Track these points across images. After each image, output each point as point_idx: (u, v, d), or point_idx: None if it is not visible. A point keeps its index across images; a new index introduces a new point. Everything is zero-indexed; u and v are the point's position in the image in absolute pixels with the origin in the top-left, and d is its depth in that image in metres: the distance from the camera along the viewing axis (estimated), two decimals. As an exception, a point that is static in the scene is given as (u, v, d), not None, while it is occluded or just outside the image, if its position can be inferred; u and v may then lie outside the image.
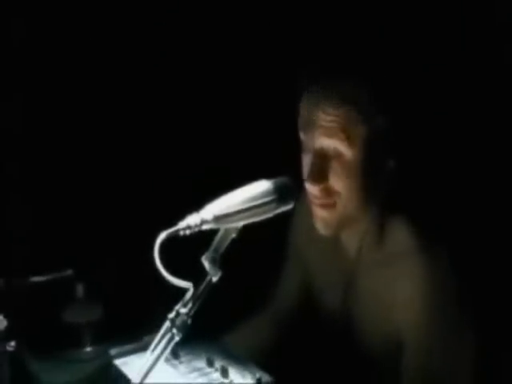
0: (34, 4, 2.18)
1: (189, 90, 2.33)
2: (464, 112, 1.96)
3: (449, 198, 1.81)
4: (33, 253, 2.19)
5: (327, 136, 1.57)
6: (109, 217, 2.30)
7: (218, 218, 1.39)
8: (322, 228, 1.64)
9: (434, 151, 1.90)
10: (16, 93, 2.22)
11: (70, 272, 2.04)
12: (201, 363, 1.65)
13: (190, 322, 1.38)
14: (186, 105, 2.33)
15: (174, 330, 1.37)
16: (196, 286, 1.39)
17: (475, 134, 1.96)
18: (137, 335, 1.68)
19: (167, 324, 1.38)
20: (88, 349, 1.81)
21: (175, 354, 1.67)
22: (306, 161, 1.62)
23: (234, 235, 1.44)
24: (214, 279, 1.42)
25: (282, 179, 1.49)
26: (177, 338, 1.38)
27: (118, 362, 1.65)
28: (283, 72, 1.60)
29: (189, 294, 1.38)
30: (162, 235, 1.33)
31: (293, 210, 1.75)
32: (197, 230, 1.38)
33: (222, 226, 1.42)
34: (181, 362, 1.66)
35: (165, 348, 1.38)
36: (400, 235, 1.62)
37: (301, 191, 1.62)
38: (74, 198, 2.28)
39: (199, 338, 1.72)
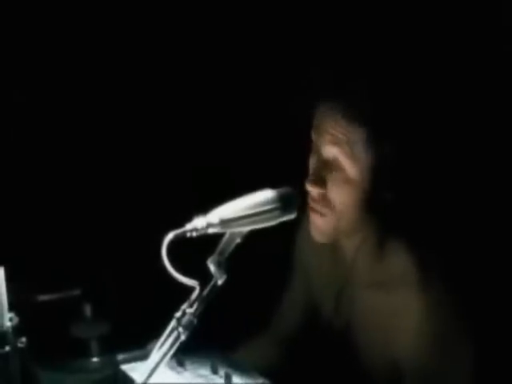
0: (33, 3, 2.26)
1: (192, 92, 2.36)
2: (467, 137, 2.01)
3: (448, 220, 1.85)
4: (38, 271, 2.23)
5: (334, 144, 1.61)
6: (113, 234, 2.35)
7: (223, 222, 1.45)
8: (316, 235, 1.69)
9: (435, 174, 1.95)
10: (16, 94, 2.27)
11: (77, 292, 2.09)
12: (205, 371, 1.69)
13: (196, 321, 1.43)
14: (187, 109, 2.37)
15: (180, 329, 1.42)
16: (202, 286, 1.44)
17: (477, 157, 2.00)
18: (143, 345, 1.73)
19: (173, 323, 1.43)
20: (95, 359, 1.84)
21: (180, 362, 1.72)
22: (312, 162, 1.67)
23: (239, 240, 1.49)
24: (220, 282, 1.47)
25: (286, 189, 1.54)
26: (182, 337, 1.42)
27: (124, 367, 1.70)
28: (288, 76, 1.65)
29: (195, 294, 1.43)
30: (170, 235, 1.39)
31: (299, 225, 1.83)
32: (203, 232, 1.44)
33: (228, 230, 1.47)
34: (186, 370, 1.70)
35: (171, 347, 1.43)
36: (400, 262, 1.65)
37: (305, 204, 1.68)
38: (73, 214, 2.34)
39: (204, 349, 1.78)
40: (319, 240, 1.69)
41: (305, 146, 1.68)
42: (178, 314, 1.43)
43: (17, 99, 2.32)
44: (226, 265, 1.47)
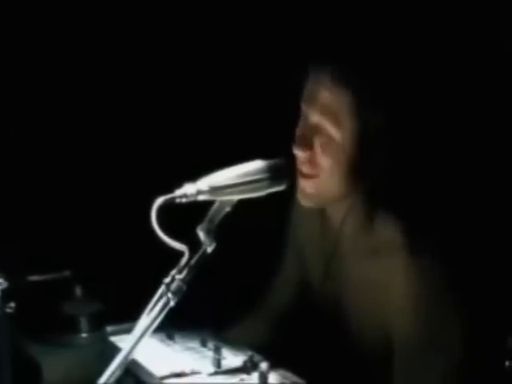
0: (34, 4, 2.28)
1: (179, 79, 2.39)
2: (456, 110, 2.02)
3: (436, 190, 1.86)
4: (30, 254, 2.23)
5: (321, 112, 1.61)
6: (102, 219, 2.37)
7: (213, 189, 1.46)
8: (302, 198, 1.69)
9: (425, 147, 1.96)
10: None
11: (67, 273, 2.09)
12: (195, 344, 1.70)
13: (185, 288, 1.44)
14: (172, 87, 2.39)
15: (170, 295, 1.43)
16: (191, 253, 1.44)
17: (465, 131, 2.02)
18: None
19: (162, 288, 1.43)
20: (84, 334, 1.85)
21: (170, 336, 1.72)
22: (299, 126, 1.67)
23: (228, 209, 1.50)
24: (209, 249, 1.48)
25: (276, 160, 1.56)
26: (172, 303, 1.43)
27: (113, 338, 1.71)
28: (281, 63, 1.67)
29: (184, 260, 1.44)
30: (160, 200, 1.40)
31: (293, 202, 1.84)
32: (193, 199, 1.45)
33: (217, 198, 1.48)
34: (175, 342, 1.71)
35: (160, 312, 1.43)
36: (390, 229, 1.65)
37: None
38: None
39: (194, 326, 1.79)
40: (305, 203, 1.69)
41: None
42: (167, 280, 1.44)
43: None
44: (215, 233, 1.48)
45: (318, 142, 1.63)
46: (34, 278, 2.06)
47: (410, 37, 1.97)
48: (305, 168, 1.65)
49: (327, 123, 1.61)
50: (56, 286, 2.00)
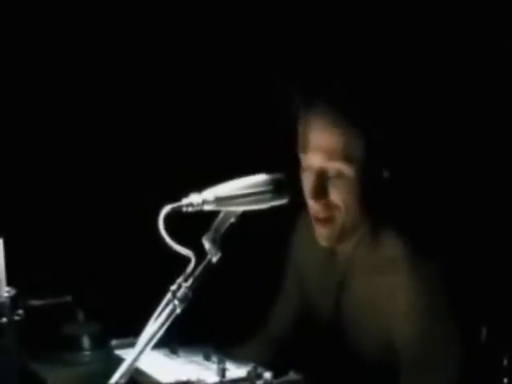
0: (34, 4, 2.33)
1: (181, 87, 2.43)
2: (456, 125, 2.07)
3: (439, 208, 1.90)
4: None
5: (328, 158, 1.68)
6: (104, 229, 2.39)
7: (218, 200, 1.50)
8: (323, 242, 1.76)
9: (427, 162, 2.00)
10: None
11: (69, 298, 2.11)
12: (198, 357, 1.72)
13: (191, 295, 1.46)
14: (178, 105, 2.42)
15: (176, 302, 1.45)
16: (198, 259, 1.47)
17: (466, 147, 2.06)
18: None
19: (169, 296, 1.46)
20: (87, 352, 1.86)
21: (173, 350, 1.74)
22: (306, 179, 1.73)
23: (233, 220, 1.54)
24: (214, 259, 1.50)
25: (278, 175, 1.60)
26: (178, 310, 1.45)
27: (118, 352, 1.73)
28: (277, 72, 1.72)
29: (190, 267, 1.47)
30: (167, 208, 1.44)
31: (294, 227, 1.88)
32: (199, 208, 1.48)
33: (222, 208, 1.52)
34: (179, 356, 1.73)
35: (166, 319, 1.45)
36: (393, 246, 1.71)
37: (301, 207, 1.76)
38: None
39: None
40: (326, 245, 1.76)
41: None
42: (174, 287, 1.46)
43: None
44: (220, 242, 1.51)
45: (331, 185, 1.69)
46: (36, 302, 2.09)
47: (415, 58, 2.01)
48: (321, 214, 1.71)
49: (336, 163, 1.67)
50: (58, 311, 2.02)
